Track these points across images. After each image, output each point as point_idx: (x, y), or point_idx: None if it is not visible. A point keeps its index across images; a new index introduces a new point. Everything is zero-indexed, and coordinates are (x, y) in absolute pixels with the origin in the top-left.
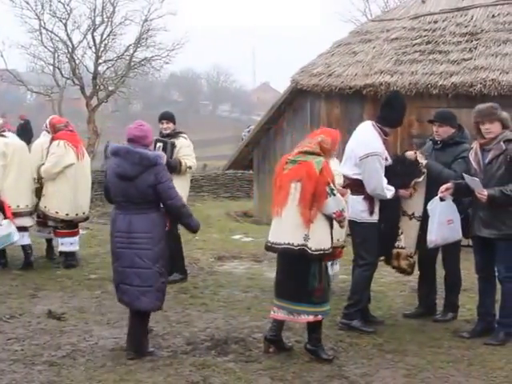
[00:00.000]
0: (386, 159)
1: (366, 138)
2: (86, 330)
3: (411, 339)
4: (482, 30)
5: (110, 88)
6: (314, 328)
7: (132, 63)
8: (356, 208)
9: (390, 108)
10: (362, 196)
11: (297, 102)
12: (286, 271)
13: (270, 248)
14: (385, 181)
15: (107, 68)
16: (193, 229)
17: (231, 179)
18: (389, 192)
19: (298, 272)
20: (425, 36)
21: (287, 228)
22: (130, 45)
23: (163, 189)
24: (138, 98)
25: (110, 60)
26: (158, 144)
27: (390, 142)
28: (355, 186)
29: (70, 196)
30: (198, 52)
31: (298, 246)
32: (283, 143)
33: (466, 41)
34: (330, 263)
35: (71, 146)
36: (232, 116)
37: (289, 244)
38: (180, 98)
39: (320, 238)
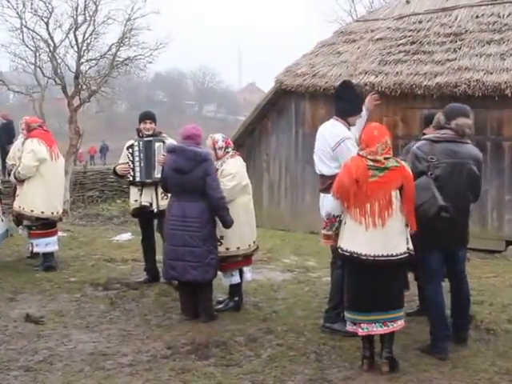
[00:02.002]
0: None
1: (333, 129)
2: (65, 333)
3: (395, 342)
4: (467, 31)
5: (93, 88)
6: (393, 335)
7: (115, 63)
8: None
9: (340, 101)
10: None
11: (281, 103)
12: (385, 281)
13: (373, 262)
14: None
15: (90, 67)
16: (227, 222)
17: None
18: None
19: (398, 278)
20: (409, 36)
21: (395, 238)
22: (113, 44)
23: (209, 180)
24: (123, 99)
25: (92, 59)
26: (158, 144)
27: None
28: None
29: (45, 194)
30: (183, 52)
31: (407, 251)
32: (268, 144)
33: (451, 41)
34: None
35: (44, 145)
36: (218, 116)
37: (402, 253)
38: (165, 98)
39: (409, 238)
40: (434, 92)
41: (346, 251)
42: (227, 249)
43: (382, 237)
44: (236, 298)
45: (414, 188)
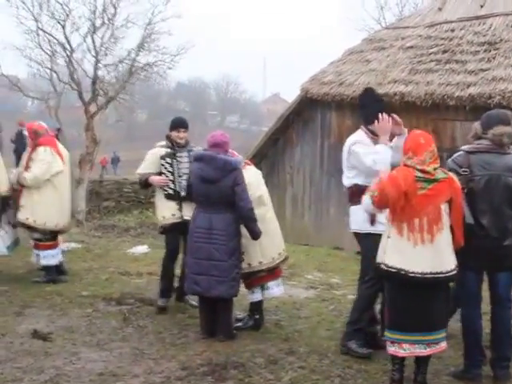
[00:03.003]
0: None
1: (350, 137)
2: (73, 351)
3: None
4: (501, 40)
5: (111, 94)
6: (429, 358)
7: (134, 68)
8: (358, 218)
9: (361, 107)
10: None
11: (306, 112)
12: (432, 300)
13: (421, 280)
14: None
15: (108, 73)
16: (256, 234)
17: None
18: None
19: (444, 296)
20: (441, 45)
21: (443, 254)
22: (132, 49)
23: (239, 190)
24: (144, 107)
25: (110, 64)
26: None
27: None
28: (355, 194)
29: (58, 205)
30: (206, 61)
31: (455, 267)
32: (292, 155)
33: (485, 50)
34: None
35: (56, 153)
36: (241, 127)
37: (452, 270)
38: (187, 107)
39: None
40: (466, 103)
41: (392, 267)
42: (249, 264)
43: (431, 253)
44: (256, 316)
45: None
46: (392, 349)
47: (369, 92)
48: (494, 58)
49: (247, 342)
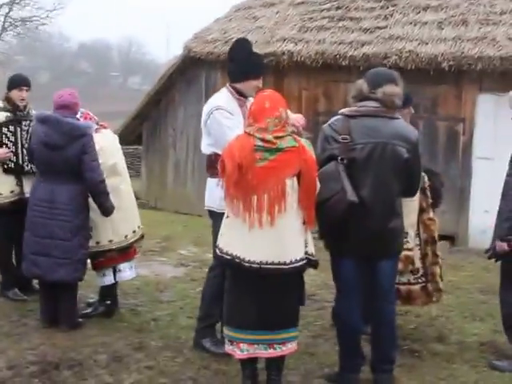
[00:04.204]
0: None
1: (212, 98)
2: None
3: (295, 366)
4: None
5: None
6: (283, 361)
7: (7, 24)
8: (214, 194)
9: (230, 60)
10: None
11: (190, 72)
12: (275, 294)
13: (258, 270)
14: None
15: None
16: (107, 209)
17: None
18: None
19: (292, 290)
20: (334, 0)
21: (288, 240)
22: (5, 3)
23: (87, 159)
24: (46, 68)
25: None
26: None
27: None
28: (213, 164)
29: None
30: (109, 21)
31: (305, 257)
32: (175, 117)
33: (381, 7)
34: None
35: None
36: (143, 88)
37: (297, 260)
38: (89, 68)
39: (311, 239)
40: (360, 63)
41: (226, 254)
42: (97, 243)
43: (272, 239)
44: (108, 302)
45: (320, 176)
46: (230, 348)
47: (240, 44)
48: (391, 15)
49: (93, 332)
